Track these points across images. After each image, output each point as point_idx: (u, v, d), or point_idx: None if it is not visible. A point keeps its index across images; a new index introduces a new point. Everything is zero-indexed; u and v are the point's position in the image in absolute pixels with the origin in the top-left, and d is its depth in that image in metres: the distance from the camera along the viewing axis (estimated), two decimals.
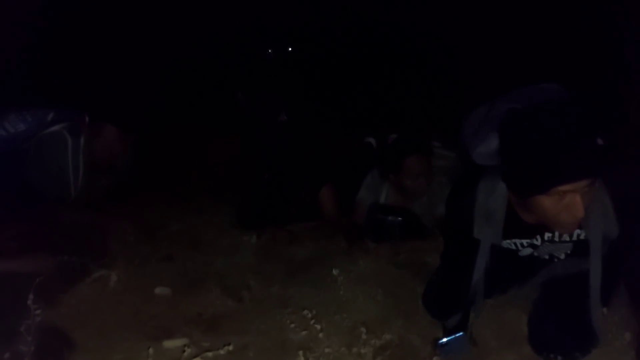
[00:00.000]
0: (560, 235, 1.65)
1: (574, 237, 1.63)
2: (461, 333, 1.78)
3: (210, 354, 1.87)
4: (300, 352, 1.87)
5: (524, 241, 1.69)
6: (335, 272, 2.35)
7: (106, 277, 2.38)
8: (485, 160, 1.56)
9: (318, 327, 2.03)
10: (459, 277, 1.75)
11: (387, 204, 2.90)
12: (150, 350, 1.88)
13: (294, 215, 3.25)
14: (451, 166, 2.79)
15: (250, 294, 2.33)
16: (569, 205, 1.33)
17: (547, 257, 1.77)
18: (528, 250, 1.73)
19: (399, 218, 2.74)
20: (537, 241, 1.69)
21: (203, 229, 3.03)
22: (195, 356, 1.86)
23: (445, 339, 1.78)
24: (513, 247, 1.72)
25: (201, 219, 3.18)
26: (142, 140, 3.00)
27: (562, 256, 1.76)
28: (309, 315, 2.09)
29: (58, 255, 2.31)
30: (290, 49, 8.23)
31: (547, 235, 1.65)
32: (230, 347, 1.91)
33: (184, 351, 1.89)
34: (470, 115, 1.69)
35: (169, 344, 1.94)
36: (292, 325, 2.06)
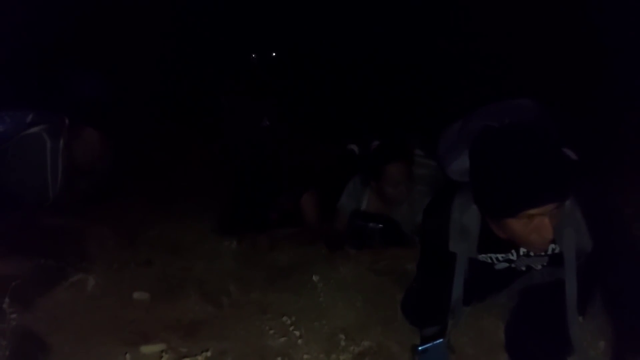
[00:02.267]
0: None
1: (549, 252, 1.64)
2: (440, 340, 1.79)
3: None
4: (279, 359, 1.87)
5: (499, 256, 1.69)
6: (315, 278, 2.34)
7: (84, 281, 2.35)
8: (459, 177, 1.57)
9: (297, 333, 2.03)
10: (436, 287, 1.76)
11: (367, 211, 2.91)
12: (128, 356, 1.86)
13: (275, 221, 3.25)
14: (432, 174, 2.80)
15: (229, 300, 2.32)
16: (538, 228, 1.33)
17: (524, 268, 1.78)
18: (504, 265, 1.74)
19: (380, 225, 2.76)
20: (513, 256, 1.69)
21: (183, 234, 3.02)
22: None
23: (423, 346, 1.79)
24: (489, 260, 1.73)
25: (181, 224, 3.17)
26: (123, 143, 2.98)
27: (539, 267, 1.77)
28: (288, 322, 2.09)
29: (35, 259, 2.29)
30: (273, 54, 8.22)
31: (522, 250, 1.66)
32: (209, 353, 1.89)
33: (161, 357, 1.87)
34: (445, 131, 1.71)
35: (147, 349, 1.92)
36: (271, 332, 2.05)
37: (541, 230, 1.33)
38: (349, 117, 5.54)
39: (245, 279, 2.51)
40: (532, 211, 1.30)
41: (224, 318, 2.20)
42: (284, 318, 2.11)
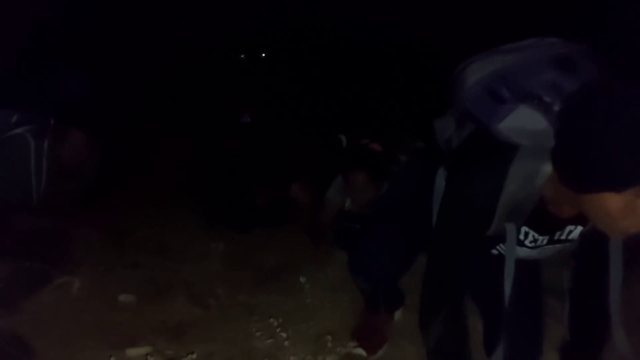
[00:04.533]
0: (569, 233, 1.40)
1: (571, 236, 1.41)
2: None
3: None
4: None
5: (536, 234, 1.42)
6: (302, 279, 2.34)
7: (69, 284, 2.34)
8: (517, 137, 1.22)
9: (284, 335, 2.03)
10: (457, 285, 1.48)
11: (353, 211, 2.90)
12: (113, 359, 1.85)
13: (264, 211, 3.26)
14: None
15: (217, 302, 2.32)
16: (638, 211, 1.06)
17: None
18: (524, 251, 1.47)
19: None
20: (544, 241, 1.43)
21: (170, 236, 3.00)
22: None
23: None
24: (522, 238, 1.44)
25: (169, 225, 3.14)
26: (110, 144, 2.95)
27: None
28: (275, 324, 2.09)
29: (19, 261, 2.27)
30: (263, 54, 8.18)
31: (559, 233, 1.41)
32: (194, 356, 1.89)
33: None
34: (464, 74, 1.37)
35: (132, 352, 1.92)
36: (258, 334, 2.05)
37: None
38: (342, 112, 5.53)
39: (233, 281, 2.50)
40: None
41: (211, 320, 2.20)
42: (271, 320, 2.12)
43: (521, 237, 1.41)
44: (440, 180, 1.49)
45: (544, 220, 1.32)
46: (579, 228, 1.37)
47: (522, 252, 1.45)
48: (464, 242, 1.38)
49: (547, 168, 1.19)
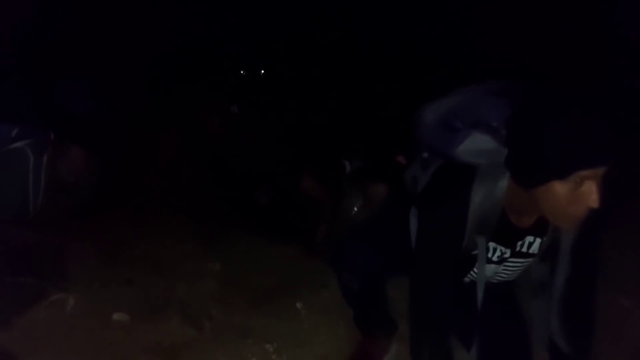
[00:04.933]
0: (529, 246, 1.57)
1: (531, 250, 1.58)
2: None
3: None
4: None
5: (502, 248, 1.57)
6: (299, 305, 2.33)
7: (63, 301, 2.31)
8: (474, 157, 1.43)
9: None
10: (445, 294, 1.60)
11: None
12: None
13: (267, 206, 3.35)
14: None
15: (211, 324, 2.30)
16: (584, 194, 1.24)
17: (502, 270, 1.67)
18: (492, 268, 1.63)
19: None
20: (507, 253, 1.59)
21: (166, 253, 2.96)
22: None
23: None
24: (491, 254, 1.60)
25: (165, 242, 3.11)
26: (109, 160, 2.94)
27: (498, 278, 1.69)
28: (271, 349, 2.07)
29: (14, 276, 2.24)
30: (262, 71, 8.15)
31: (520, 243, 1.57)
32: None
33: None
34: (422, 116, 1.59)
35: None
36: (253, 358, 2.03)
37: (587, 198, 1.24)
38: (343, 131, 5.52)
39: (228, 302, 2.48)
40: (586, 172, 1.23)
41: (205, 342, 2.18)
42: (266, 344, 2.09)
43: (489, 254, 1.56)
44: (414, 219, 1.65)
45: (507, 231, 1.50)
46: (538, 240, 1.55)
47: (490, 270, 1.60)
48: (443, 262, 1.54)
49: (504, 181, 1.41)
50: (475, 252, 1.53)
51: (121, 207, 3.48)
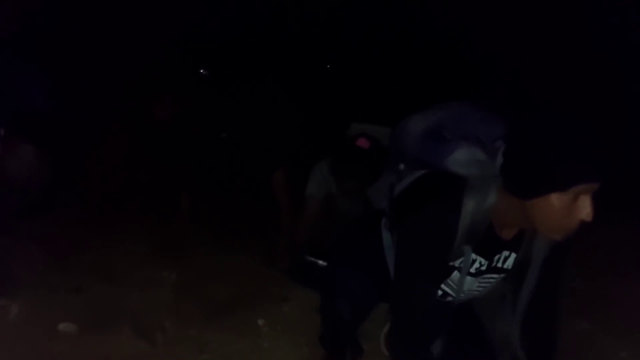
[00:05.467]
0: (504, 261, 1.59)
1: (506, 265, 1.59)
2: None
3: None
4: None
5: (481, 260, 1.58)
6: (260, 322, 2.24)
7: (6, 308, 2.17)
8: (465, 168, 1.45)
9: None
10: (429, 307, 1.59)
11: (317, 247, 2.81)
12: None
13: (242, 190, 3.35)
14: None
15: (164, 337, 2.19)
16: (579, 208, 1.29)
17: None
18: (469, 281, 1.62)
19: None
20: (484, 266, 1.59)
21: (119, 259, 2.86)
22: None
23: None
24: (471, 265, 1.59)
25: (118, 247, 3.00)
26: (62, 158, 2.81)
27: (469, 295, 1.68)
28: None
29: None
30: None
31: (497, 257, 1.58)
32: None
33: None
34: (407, 128, 1.61)
35: None
36: None
37: (582, 211, 1.29)
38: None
39: (183, 314, 2.38)
40: (585, 186, 1.27)
41: (157, 356, 2.08)
42: None
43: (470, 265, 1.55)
44: (385, 232, 1.67)
45: (489, 242, 1.51)
46: (512, 256, 1.56)
47: (467, 283, 1.59)
48: (430, 271, 1.53)
49: (494, 192, 1.42)
50: (454, 263, 1.54)
51: (72, 209, 3.35)
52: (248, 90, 4.12)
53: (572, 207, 1.30)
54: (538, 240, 1.49)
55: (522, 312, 1.55)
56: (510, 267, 1.60)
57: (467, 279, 1.58)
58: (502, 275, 1.62)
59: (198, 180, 3.42)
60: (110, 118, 4.39)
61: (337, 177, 2.74)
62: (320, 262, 2.58)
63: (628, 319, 2.44)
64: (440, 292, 1.65)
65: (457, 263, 1.54)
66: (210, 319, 2.36)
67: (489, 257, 1.57)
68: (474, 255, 1.53)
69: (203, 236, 3.43)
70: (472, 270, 1.57)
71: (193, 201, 3.42)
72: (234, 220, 3.63)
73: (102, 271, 2.70)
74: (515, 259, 1.58)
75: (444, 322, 1.64)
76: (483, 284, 1.64)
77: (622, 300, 2.65)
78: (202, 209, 3.54)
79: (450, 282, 1.61)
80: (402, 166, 1.63)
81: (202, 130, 3.59)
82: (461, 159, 1.45)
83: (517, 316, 1.55)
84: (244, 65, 6.59)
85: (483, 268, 1.58)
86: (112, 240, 3.12)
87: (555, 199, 1.29)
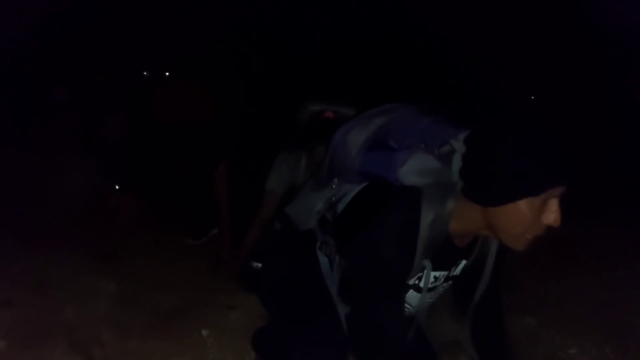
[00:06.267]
0: (455, 269, 1.53)
1: (456, 272, 1.53)
2: None
3: None
4: None
5: (441, 272, 1.51)
6: (204, 332, 2.16)
7: None
8: (419, 177, 1.35)
9: None
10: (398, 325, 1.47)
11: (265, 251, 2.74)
12: None
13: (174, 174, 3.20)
14: None
15: (102, 351, 2.09)
16: (547, 213, 1.25)
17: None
18: (427, 295, 1.54)
19: None
20: (441, 279, 1.52)
21: (53, 269, 2.72)
22: None
23: None
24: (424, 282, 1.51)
25: (52, 257, 2.86)
26: None
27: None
28: None
29: None
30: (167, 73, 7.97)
31: (454, 267, 1.52)
32: None
33: None
34: (346, 142, 1.46)
35: None
36: None
37: (552, 216, 1.25)
38: None
39: (123, 325, 2.27)
40: (555, 190, 1.23)
41: None
42: None
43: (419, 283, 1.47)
44: (322, 257, 1.54)
45: (446, 253, 1.42)
46: (463, 263, 1.50)
47: (425, 297, 1.51)
48: (392, 293, 1.42)
49: (451, 200, 1.34)
50: (411, 281, 1.44)
51: (0, 216, 3.18)
52: (186, 84, 4.03)
53: (539, 213, 1.26)
54: (491, 244, 1.47)
55: (472, 313, 1.52)
56: (458, 274, 1.55)
57: (424, 294, 1.50)
58: (451, 282, 1.56)
59: (138, 177, 3.30)
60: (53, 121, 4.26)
61: (307, 147, 2.64)
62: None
63: (576, 316, 2.48)
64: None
65: (412, 281, 1.46)
66: (151, 330, 2.26)
67: (447, 269, 1.51)
68: (433, 271, 1.45)
69: (143, 241, 3.33)
70: (430, 285, 1.50)
71: (132, 203, 3.27)
72: (176, 223, 3.53)
73: (33, 282, 2.58)
74: (465, 265, 1.53)
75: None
76: (435, 295, 1.57)
77: (570, 297, 2.70)
78: (141, 212, 3.41)
79: (407, 300, 1.53)
80: (335, 181, 1.53)
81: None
82: (415, 168, 1.36)
83: (468, 317, 1.53)
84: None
85: (440, 281, 1.52)
86: (44, 248, 2.99)
87: (525, 205, 1.26)
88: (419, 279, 1.45)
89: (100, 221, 3.42)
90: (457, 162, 1.32)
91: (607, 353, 2.24)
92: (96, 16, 6.00)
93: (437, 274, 1.48)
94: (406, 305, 1.53)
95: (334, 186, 1.53)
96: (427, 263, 1.39)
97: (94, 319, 2.30)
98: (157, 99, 3.63)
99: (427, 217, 1.34)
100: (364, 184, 1.47)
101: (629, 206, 4.36)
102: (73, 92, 4.56)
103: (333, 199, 1.52)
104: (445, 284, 1.54)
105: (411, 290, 1.48)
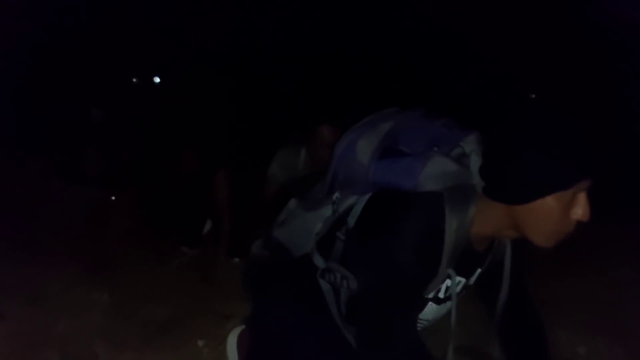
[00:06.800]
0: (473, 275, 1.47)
1: (471, 281, 1.48)
2: None
3: None
4: None
5: (461, 279, 1.45)
6: (200, 343, 2.14)
7: None
8: (439, 183, 1.29)
9: None
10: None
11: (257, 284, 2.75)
12: None
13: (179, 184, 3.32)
14: None
15: None
16: (577, 207, 1.22)
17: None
18: (446, 307, 1.50)
19: None
20: (460, 286, 1.46)
21: (46, 281, 2.70)
22: None
23: None
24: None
25: (44, 269, 2.84)
26: None
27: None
28: None
29: None
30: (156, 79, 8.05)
31: (473, 274, 1.47)
32: None
33: None
34: (354, 154, 1.38)
35: None
36: None
37: (581, 210, 1.22)
38: None
39: (117, 338, 2.26)
40: (584, 183, 1.20)
41: None
42: None
43: (440, 293, 1.42)
44: (325, 284, 1.45)
45: (467, 259, 1.37)
46: (478, 270, 1.46)
47: (443, 310, 1.46)
48: (410, 304, 1.36)
49: (473, 204, 1.30)
50: (431, 293, 1.39)
51: None
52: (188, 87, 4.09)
53: (568, 209, 1.22)
54: (506, 248, 1.44)
55: (499, 321, 1.49)
56: (472, 284, 1.48)
57: (442, 307, 1.45)
58: (465, 292, 1.49)
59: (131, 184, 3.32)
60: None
61: (307, 135, 2.71)
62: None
63: (585, 314, 2.49)
64: None
65: (432, 294, 1.40)
66: (146, 342, 2.24)
67: (467, 276, 1.45)
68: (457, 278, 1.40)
69: (136, 251, 3.32)
70: (441, 295, 1.44)
71: (127, 213, 3.28)
72: (170, 233, 3.51)
73: (26, 295, 2.54)
74: (479, 272, 1.47)
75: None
76: (443, 310, 1.50)
77: (578, 296, 2.72)
78: (135, 222, 3.40)
79: (423, 314, 1.47)
80: (337, 195, 1.45)
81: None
82: (435, 172, 1.29)
83: (495, 325, 1.50)
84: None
85: (459, 289, 1.45)
86: (37, 260, 2.96)
87: (554, 200, 1.21)
88: (438, 290, 1.40)
89: (93, 232, 3.40)
90: (475, 163, 1.29)
91: (617, 353, 2.23)
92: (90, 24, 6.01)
93: (459, 279, 1.42)
94: (421, 320, 1.46)
95: (335, 200, 1.45)
96: (451, 272, 1.34)
97: (88, 331, 2.28)
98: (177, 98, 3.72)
99: (451, 222, 1.28)
100: (370, 194, 1.39)
101: (634, 206, 4.40)
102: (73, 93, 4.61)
103: (336, 214, 1.44)
104: (461, 294, 1.48)
105: (430, 303, 1.42)
